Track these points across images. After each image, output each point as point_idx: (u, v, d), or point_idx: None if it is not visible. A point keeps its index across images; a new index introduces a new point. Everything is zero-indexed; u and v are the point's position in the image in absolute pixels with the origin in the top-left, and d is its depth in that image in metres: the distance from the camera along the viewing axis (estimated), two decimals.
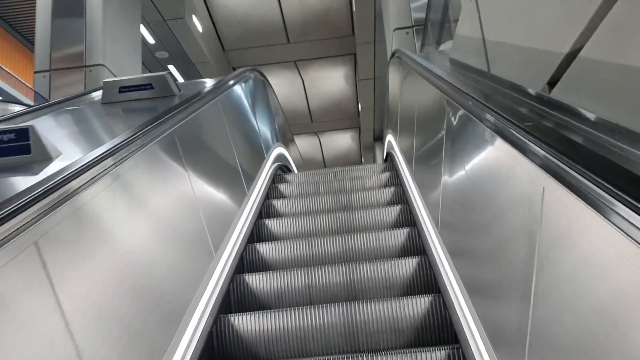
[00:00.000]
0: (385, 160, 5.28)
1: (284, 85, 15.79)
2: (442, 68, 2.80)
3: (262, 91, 5.04)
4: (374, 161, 19.31)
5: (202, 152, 2.64)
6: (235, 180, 3.07)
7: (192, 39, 10.91)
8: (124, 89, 3.28)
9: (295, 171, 5.99)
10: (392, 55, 4.65)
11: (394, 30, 7.60)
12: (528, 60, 1.78)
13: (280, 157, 5.06)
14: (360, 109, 15.68)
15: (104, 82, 3.28)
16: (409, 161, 3.45)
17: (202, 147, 2.66)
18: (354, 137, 20.49)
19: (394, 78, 4.68)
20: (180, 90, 3.40)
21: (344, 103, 17.25)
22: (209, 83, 3.55)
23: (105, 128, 2.65)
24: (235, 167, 3.11)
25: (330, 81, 15.90)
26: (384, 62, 13.62)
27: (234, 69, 14.38)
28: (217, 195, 2.63)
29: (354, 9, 11.11)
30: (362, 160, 20.47)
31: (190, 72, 12.27)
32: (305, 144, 20.67)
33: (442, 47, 4.57)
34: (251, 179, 3.44)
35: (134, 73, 8.23)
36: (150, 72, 12.37)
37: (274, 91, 6.18)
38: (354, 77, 15.64)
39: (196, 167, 2.39)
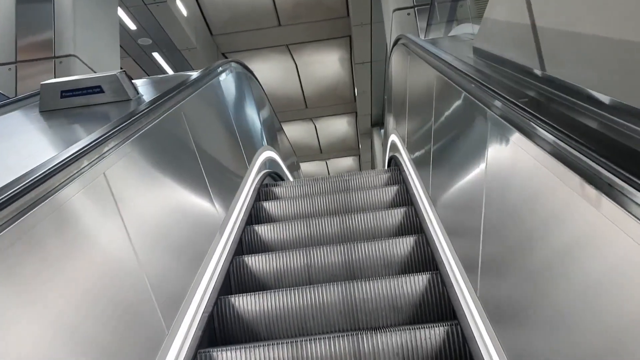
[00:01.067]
0: (389, 164, 4.63)
1: (276, 70, 15.07)
2: (467, 62, 2.16)
3: (243, 87, 4.36)
4: (371, 148, 18.67)
5: (152, 185, 2.00)
6: (204, 209, 2.45)
7: (176, 24, 10.19)
8: (67, 92, 2.64)
9: (290, 178, 5.32)
10: (396, 42, 4.00)
11: (394, 10, 6.91)
12: (624, 61, 1.15)
13: (269, 162, 4.40)
14: (356, 93, 14.99)
15: (41, 84, 2.64)
16: (425, 184, 2.80)
17: (153, 178, 2.02)
18: (351, 122, 19.81)
19: (398, 69, 4.02)
20: (138, 93, 2.77)
21: (339, 88, 16.55)
22: (173, 81, 2.91)
23: (28, 153, 2.02)
24: (205, 190, 2.49)
25: (325, 65, 15.18)
26: (381, 45, 12.89)
27: (224, 55, 13.63)
28: (173, 240, 2.00)
29: None
30: (360, 145, 19.81)
31: (176, 59, 11.56)
32: (300, 130, 19.98)
33: (455, 31, 3.91)
34: (228, 200, 2.82)
35: (111, 64, 7.54)
36: (135, 60, 11.67)
37: (260, 85, 5.47)
38: (349, 60, 14.93)
39: (140, 206, 1.77)
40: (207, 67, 3.25)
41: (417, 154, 3.05)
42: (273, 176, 4.41)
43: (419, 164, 2.99)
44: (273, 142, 5.02)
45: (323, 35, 13.29)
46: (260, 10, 12.01)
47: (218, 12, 11.94)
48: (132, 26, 10.17)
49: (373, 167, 20.76)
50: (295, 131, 20.33)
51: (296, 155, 9.11)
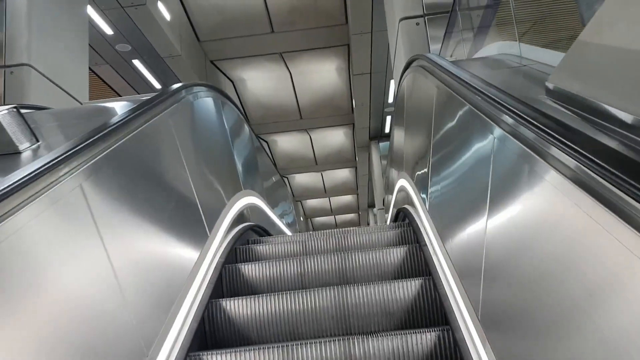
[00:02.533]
0: (396, 218, 3.65)
1: (269, 79, 14.14)
2: (547, 113, 1.26)
3: (211, 118, 3.36)
4: (369, 161, 17.72)
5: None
6: (119, 336, 1.51)
7: (157, 29, 9.26)
8: None
9: (287, 231, 4.31)
10: (409, 65, 3.06)
11: (400, 20, 6.00)
12: None
13: (250, 212, 3.43)
14: (354, 105, 14.08)
15: None
16: (461, 276, 1.86)
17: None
18: (348, 134, 18.89)
19: (417, 103, 3.06)
20: (37, 140, 1.85)
21: (336, 98, 15.62)
22: (101, 116, 1.98)
23: None
24: (124, 316, 1.54)
25: (321, 75, 14.26)
26: (382, 55, 11.93)
27: (213, 63, 12.70)
28: None
29: None
30: (357, 158, 18.88)
31: (159, 67, 10.62)
32: (294, 141, 19.05)
33: (489, 50, 2.96)
34: (159, 319, 1.86)
35: (76, 75, 6.60)
36: (113, 68, 10.73)
37: (240, 111, 4.41)
38: (347, 70, 14.02)
39: None
40: (154, 96, 2.31)
41: (446, 233, 2.11)
42: (257, 231, 3.44)
43: (448, 246, 2.06)
44: (256, 184, 4.05)
45: (319, 44, 12.38)
46: (251, 15, 11.10)
47: (206, 16, 11.02)
48: (108, 31, 9.23)
49: (370, 181, 19.83)
50: (289, 142, 19.38)
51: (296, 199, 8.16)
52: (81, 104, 6.43)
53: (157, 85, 11.42)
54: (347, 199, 28.02)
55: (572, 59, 1.44)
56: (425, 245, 2.41)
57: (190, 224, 2.27)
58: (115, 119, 1.83)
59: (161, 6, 9.21)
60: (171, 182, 2.19)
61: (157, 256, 1.84)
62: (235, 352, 1.94)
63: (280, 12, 11.08)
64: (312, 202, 28.43)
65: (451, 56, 4.00)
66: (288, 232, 4.42)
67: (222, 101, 3.63)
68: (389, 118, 15.30)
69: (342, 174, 23.89)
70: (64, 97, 6.18)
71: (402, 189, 3.44)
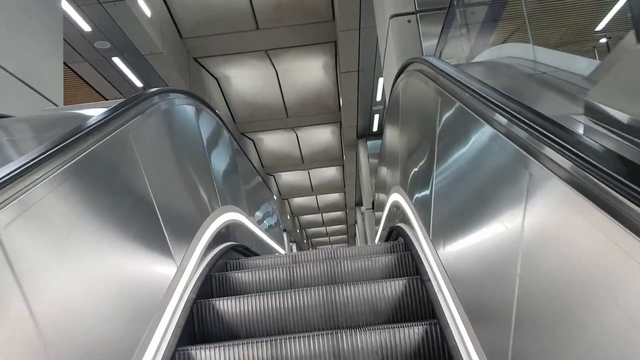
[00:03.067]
0: (389, 235, 3.33)
1: (255, 76, 13.78)
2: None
3: (183, 130, 3.00)
4: (356, 160, 17.41)
5: None
6: None
7: (137, 26, 8.87)
8: None
9: (280, 250, 3.94)
10: (405, 67, 2.75)
11: (391, 17, 5.70)
12: None
13: (227, 232, 3.08)
14: (341, 104, 13.76)
15: None
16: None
17: None
18: (335, 132, 18.58)
19: (413, 110, 2.75)
20: None
21: (323, 96, 15.30)
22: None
23: None
24: None
25: (308, 72, 13.93)
26: (370, 53, 11.61)
27: (196, 60, 12.31)
28: None
29: None
30: (344, 157, 18.58)
31: (141, 65, 10.23)
32: (280, 139, 18.70)
33: (497, 51, 2.64)
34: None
35: (50, 74, 6.22)
36: (93, 66, 10.32)
37: (219, 119, 3.98)
38: (334, 67, 13.70)
39: None
40: (114, 107, 1.98)
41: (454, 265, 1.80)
42: (241, 251, 3.10)
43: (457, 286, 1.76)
44: (238, 198, 3.70)
45: (306, 41, 12.04)
46: (236, 12, 10.74)
47: (188, 13, 10.63)
48: (86, 27, 8.82)
49: (358, 179, 19.54)
50: (275, 140, 19.02)
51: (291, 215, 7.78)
52: (56, 105, 6.07)
53: (139, 84, 11.02)
54: (334, 197, 27.72)
55: (627, 71, 1.14)
56: (429, 280, 2.11)
57: (152, 256, 1.94)
58: (58, 140, 1.50)
59: (141, 2, 8.82)
60: (128, 209, 1.85)
61: (104, 309, 1.50)
62: (223, 346, 1.93)
63: (265, 9, 10.73)
64: (299, 200, 28.09)
65: (440, 55, 3.69)
66: (275, 246, 4.09)
67: (197, 108, 3.27)
68: (377, 116, 15.01)
69: (329, 172, 23.58)
70: (36, 99, 5.80)
71: (396, 205, 3.13)
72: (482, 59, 2.82)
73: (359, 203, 23.54)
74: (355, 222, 27.34)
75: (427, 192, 2.26)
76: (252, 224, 3.64)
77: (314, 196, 27.37)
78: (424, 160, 2.39)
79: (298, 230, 33.03)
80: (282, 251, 5.66)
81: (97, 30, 9.01)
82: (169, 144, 2.59)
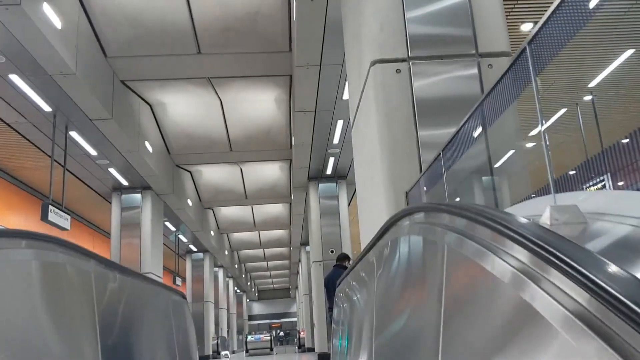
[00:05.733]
0: None
1: (195, 104, 11.93)
2: None
3: None
4: (306, 201, 15.70)
5: None
6: None
7: (39, 38, 6.93)
8: None
9: None
10: (392, 224, 1.13)
11: (373, 63, 4.05)
12: None
13: None
14: (293, 144, 12.07)
15: None
16: None
17: None
18: (284, 168, 16.84)
19: (410, 283, 1.12)
20: None
21: (273, 132, 13.58)
22: None
23: None
24: None
25: (257, 105, 12.20)
26: (331, 94, 9.92)
27: (123, 83, 10.36)
28: None
29: (294, 16, 7.48)
30: (292, 196, 16.83)
31: (49, 86, 8.23)
32: (222, 172, 16.79)
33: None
34: None
35: None
36: None
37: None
38: (288, 102, 12.04)
39: None
40: None
41: None
42: None
43: None
44: None
45: (257, 71, 10.34)
46: (174, 32, 8.93)
47: (115, 29, 8.74)
48: None
49: (306, 221, 17.79)
50: (216, 173, 17.07)
51: None
52: None
53: (47, 108, 8.99)
54: (279, 233, 25.84)
55: None
56: None
57: None
58: None
59: (47, 9, 6.90)
60: None
61: None
62: None
63: (210, 32, 8.97)
64: (239, 235, 26.04)
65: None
66: None
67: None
68: (332, 159, 13.40)
69: (275, 209, 21.74)
70: None
71: None
72: None
73: (305, 242, 21.80)
74: (299, 260, 25.50)
75: None
76: None
77: (257, 231, 25.42)
78: None
79: (236, 266, 30.86)
80: None
81: None
82: None
